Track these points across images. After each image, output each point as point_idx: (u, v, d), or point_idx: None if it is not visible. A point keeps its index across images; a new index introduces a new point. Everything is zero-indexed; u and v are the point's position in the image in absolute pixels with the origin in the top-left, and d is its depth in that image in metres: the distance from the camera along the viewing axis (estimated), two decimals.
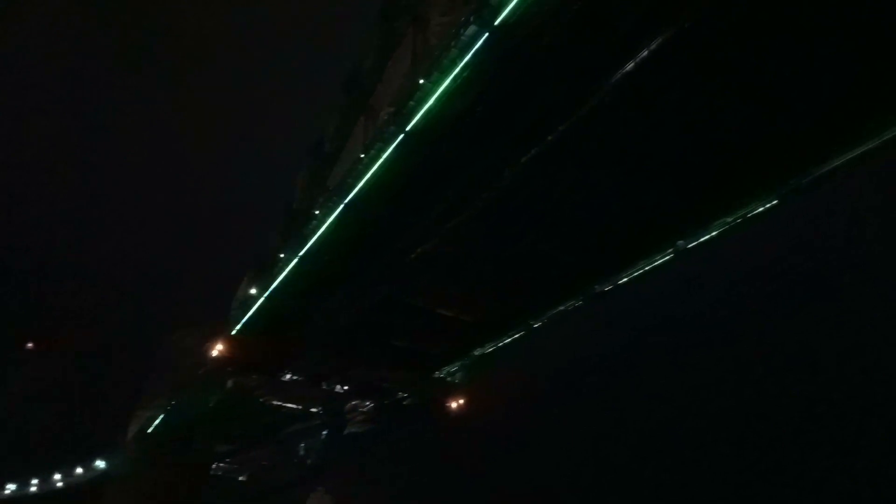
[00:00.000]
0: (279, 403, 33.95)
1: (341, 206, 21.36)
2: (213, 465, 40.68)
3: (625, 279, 23.42)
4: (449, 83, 16.50)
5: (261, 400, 33.05)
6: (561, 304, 25.07)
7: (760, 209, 19.70)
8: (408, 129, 18.03)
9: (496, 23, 14.89)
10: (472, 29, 15.47)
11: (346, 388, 32.70)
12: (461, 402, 30.72)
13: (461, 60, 15.98)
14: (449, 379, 30.98)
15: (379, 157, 19.47)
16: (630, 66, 15.42)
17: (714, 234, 20.32)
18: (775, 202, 19.18)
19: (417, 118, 17.64)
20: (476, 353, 29.12)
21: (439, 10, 20.02)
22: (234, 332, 28.97)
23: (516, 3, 14.44)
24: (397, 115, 18.70)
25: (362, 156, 20.80)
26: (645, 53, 15.02)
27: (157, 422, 36.40)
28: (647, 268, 22.70)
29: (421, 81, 17.87)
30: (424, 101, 17.32)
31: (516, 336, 27.11)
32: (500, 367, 27.51)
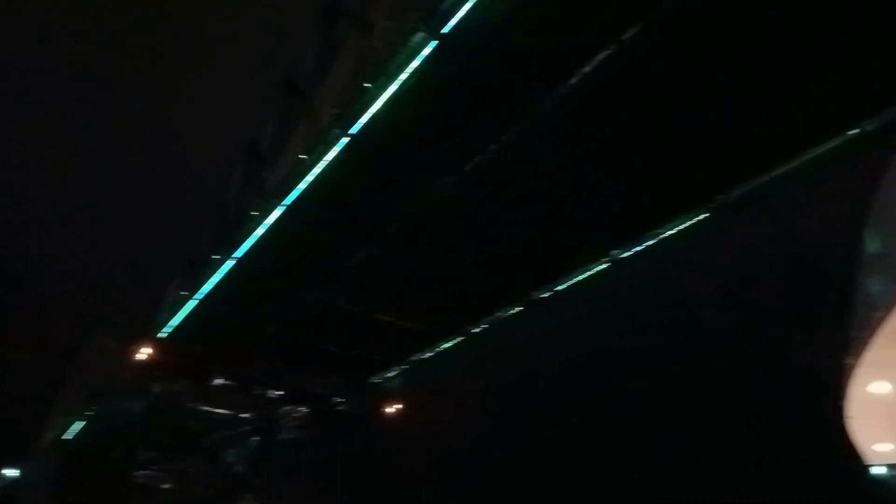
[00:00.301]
0: (207, 409, 32.84)
1: (280, 208, 20.85)
2: (136, 473, 38.93)
3: (562, 286, 23.84)
4: (396, 89, 16.35)
5: (188, 405, 31.91)
6: (499, 311, 25.30)
7: (690, 223, 20.39)
8: (352, 132, 17.77)
9: (444, 31, 14.83)
10: (419, 36, 15.37)
11: (278, 393, 31.97)
12: (399, 408, 30.55)
13: (407, 66, 15.86)
14: (386, 385, 30.77)
15: (320, 159, 19.10)
16: (574, 80, 15.74)
17: (650, 243, 20.93)
18: (706, 216, 19.90)
19: (363, 122, 17.40)
20: (415, 358, 29.03)
21: (384, 14, 19.85)
22: (160, 336, 27.84)
23: (465, 13, 14.43)
24: (341, 117, 18.40)
25: (303, 157, 20.35)
26: (588, 69, 15.37)
27: (75, 428, 34.55)
28: (583, 276, 23.17)
29: (366, 85, 17.64)
30: (369, 105, 17.12)
31: (456, 342, 27.17)
32: (440, 373, 27.53)
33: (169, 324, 27.13)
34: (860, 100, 15.86)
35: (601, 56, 15.11)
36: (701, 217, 19.98)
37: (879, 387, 5.77)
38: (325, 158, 18.87)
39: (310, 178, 19.67)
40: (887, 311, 4.29)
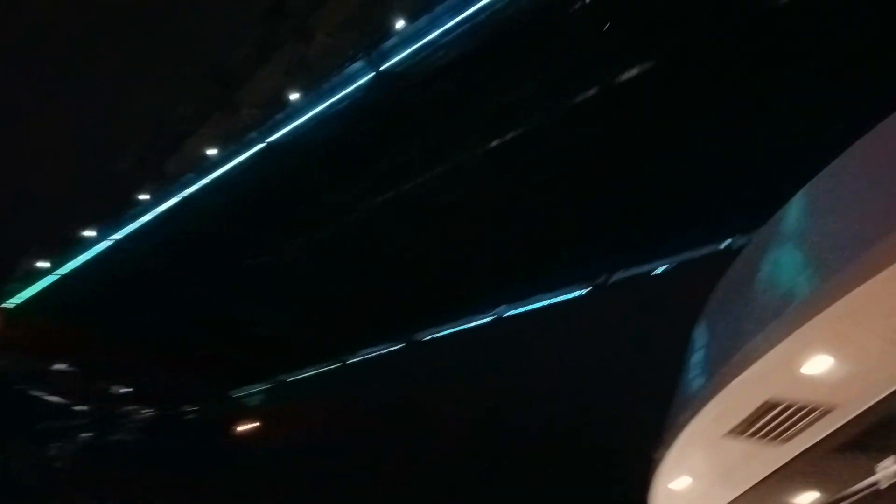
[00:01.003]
0: (38, 393, 29.90)
1: (176, 198, 19.90)
2: None
3: (446, 332, 24.18)
4: (324, 108, 16.34)
5: (16, 387, 28.91)
6: (379, 346, 25.21)
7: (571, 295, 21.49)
8: (270, 139, 17.46)
9: (384, 67, 15.12)
10: (359, 64, 15.55)
11: (125, 390, 29.75)
12: (253, 425, 29.32)
13: (341, 90, 15.95)
14: (245, 400, 29.52)
15: (231, 159, 18.54)
16: (495, 143, 16.46)
17: (538, 305, 21.75)
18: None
19: (284, 132, 17.17)
20: (283, 378, 28.14)
21: (326, 30, 19.86)
22: (4, 305, 25.29)
23: (408, 55, 14.81)
24: (262, 122, 18.05)
25: (212, 152, 19.66)
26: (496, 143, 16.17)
27: None
28: (468, 325, 23.66)
29: (294, 97, 17.51)
30: (294, 118, 16.95)
31: (329, 368, 26.66)
32: (308, 397, 26.84)
33: (19, 294, 24.74)
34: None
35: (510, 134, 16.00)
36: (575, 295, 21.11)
37: (680, 482, 6.29)
38: (235, 160, 18.37)
39: (215, 174, 19.03)
40: (694, 411, 4.74)
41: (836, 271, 4.21)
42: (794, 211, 4.98)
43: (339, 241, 19.90)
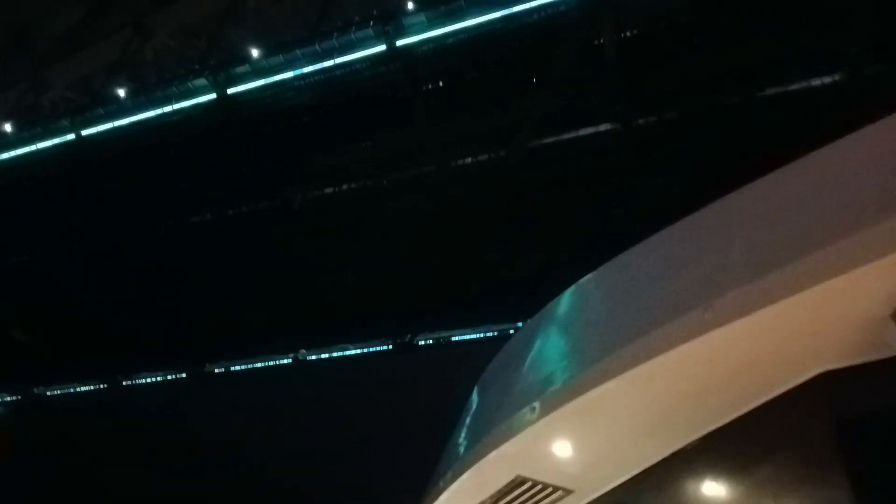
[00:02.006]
0: None
1: None
2: None
3: (239, 367, 23.02)
4: (153, 115, 15.35)
5: None
6: (159, 372, 23.23)
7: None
8: (84, 134, 15.92)
9: (230, 91, 14.69)
10: (202, 82, 14.93)
11: None
12: None
13: (179, 101, 15.15)
14: None
15: (35, 142, 16.57)
16: (327, 191, 16.52)
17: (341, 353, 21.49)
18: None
19: (101, 129, 15.78)
20: (37, 390, 24.66)
21: (169, 30, 18.91)
22: None
23: (257, 87, 14.56)
24: (77, 110, 16.46)
25: (8, 129, 17.47)
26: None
27: None
28: (266, 364, 22.75)
29: (121, 92, 16.27)
30: (117, 116, 15.69)
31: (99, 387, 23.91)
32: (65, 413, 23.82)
33: None
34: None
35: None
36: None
37: None
38: (41, 144, 16.45)
39: (10, 154, 16.85)
40: (452, 479, 4.90)
41: (592, 362, 4.48)
42: (567, 299, 5.44)
43: (130, 256, 18.30)
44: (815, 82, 14.17)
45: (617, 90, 14.53)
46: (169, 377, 23.25)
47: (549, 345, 5.73)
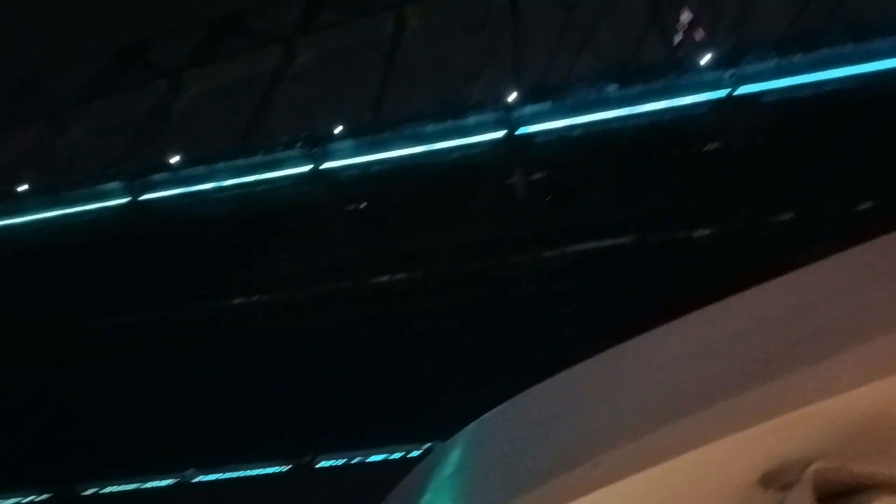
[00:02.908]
0: None
1: None
2: None
3: (115, 489, 21.02)
4: (61, 215, 14.85)
5: None
6: (17, 494, 20.80)
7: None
8: None
9: (142, 198, 14.53)
10: (115, 184, 14.74)
11: None
12: None
13: (87, 203, 14.77)
14: None
15: None
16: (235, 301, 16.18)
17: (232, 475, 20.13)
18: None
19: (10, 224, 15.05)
20: None
21: (89, 125, 18.71)
22: None
23: (168, 196, 14.50)
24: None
25: None
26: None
27: None
28: (147, 485, 20.91)
29: (28, 189, 15.74)
30: (18, 214, 15.06)
31: None
32: None
33: None
34: None
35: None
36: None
37: None
38: None
39: None
40: None
41: None
42: (462, 438, 5.43)
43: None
44: (702, 232, 15.59)
45: (527, 226, 15.43)
46: (32, 499, 20.87)
47: (444, 485, 5.64)
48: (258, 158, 15.24)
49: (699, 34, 21.10)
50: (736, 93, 13.79)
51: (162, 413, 18.31)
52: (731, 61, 14.15)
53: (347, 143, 15.18)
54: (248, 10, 20.91)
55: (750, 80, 13.60)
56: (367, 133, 15.51)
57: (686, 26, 21.17)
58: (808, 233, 14.75)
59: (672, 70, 16.94)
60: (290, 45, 19.15)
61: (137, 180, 14.59)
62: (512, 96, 16.90)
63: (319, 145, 15.14)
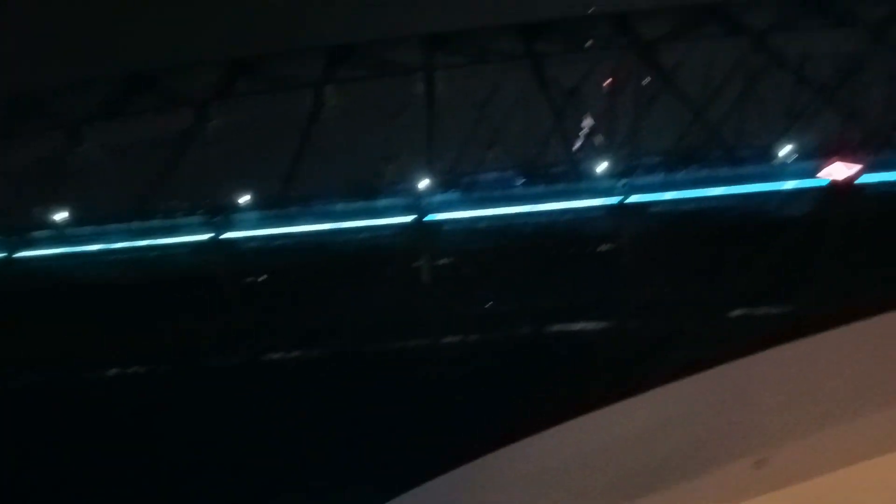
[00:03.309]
0: None
1: None
2: None
3: None
4: None
5: None
6: None
7: None
8: None
9: (20, 255, 13.57)
10: None
11: None
12: None
13: None
14: None
15: None
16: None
17: None
18: None
19: None
20: None
21: None
22: None
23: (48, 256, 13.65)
24: None
25: None
26: None
27: None
28: None
29: None
30: None
31: None
32: None
33: None
34: None
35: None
36: None
37: None
38: None
39: None
40: None
41: None
42: None
43: None
44: (592, 327, 16.32)
45: (429, 311, 15.56)
46: None
47: None
48: (156, 223, 14.72)
49: (598, 140, 22.81)
50: (627, 201, 14.89)
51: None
52: (625, 172, 15.34)
53: (253, 215, 14.96)
54: (165, 70, 20.56)
55: (640, 190, 14.75)
56: (274, 206, 15.38)
57: (587, 132, 22.84)
58: (683, 335, 15.79)
59: (572, 174, 18.14)
60: (203, 110, 18.87)
61: (15, 236, 13.61)
62: (423, 183, 17.41)
63: (222, 214, 14.84)
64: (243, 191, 16.89)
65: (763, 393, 2.03)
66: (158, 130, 18.69)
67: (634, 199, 14.75)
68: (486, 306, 15.74)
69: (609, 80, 22.30)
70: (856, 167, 14.19)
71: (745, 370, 2.07)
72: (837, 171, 14.28)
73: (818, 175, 14.50)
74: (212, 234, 14.50)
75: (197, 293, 15.04)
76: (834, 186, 14.27)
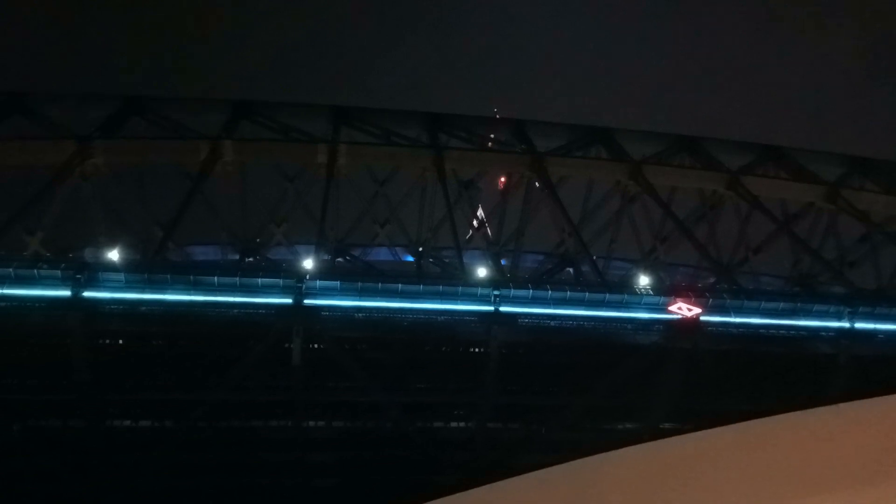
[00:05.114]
0: None
1: None
2: None
3: None
4: None
5: None
6: None
7: None
8: None
9: None
10: None
11: None
12: None
13: None
14: None
15: None
16: None
17: None
18: None
19: None
20: None
21: None
22: None
23: None
24: None
25: None
26: None
27: None
28: None
29: None
30: None
31: None
32: None
33: None
34: None
35: None
36: None
37: None
38: None
39: None
40: None
41: None
42: None
43: None
44: (455, 425, 16.74)
45: (296, 392, 15.31)
46: None
47: None
48: (9, 271, 13.67)
49: (486, 233, 23.69)
50: (500, 309, 15.54)
51: None
52: (499, 284, 16.10)
53: (120, 276, 14.25)
54: (49, 98, 19.26)
55: (511, 302, 15.51)
56: (146, 270, 14.72)
57: (478, 225, 23.67)
58: (536, 441, 16.53)
59: (457, 264, 18.71)
60: (86, 145, 17.71)
61: None
62: (306, 263, 17.26)
63: (86, 272, 14.03)
64: (116, 245, 16.15)
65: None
66: (37, 164, 17.33)
67: (506, 308, 15.45)
68: (355, 395, 15.69)
69: (502, 179, 23.33)
70: (697, 309, 15.74)
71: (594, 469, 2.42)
72: (682, 309, 15.76)
73: (667, 309, 15.92)
74: (70, 292, 13.66)
75: (45, 352, 14.02)
76: (679, 322, 15.71)
